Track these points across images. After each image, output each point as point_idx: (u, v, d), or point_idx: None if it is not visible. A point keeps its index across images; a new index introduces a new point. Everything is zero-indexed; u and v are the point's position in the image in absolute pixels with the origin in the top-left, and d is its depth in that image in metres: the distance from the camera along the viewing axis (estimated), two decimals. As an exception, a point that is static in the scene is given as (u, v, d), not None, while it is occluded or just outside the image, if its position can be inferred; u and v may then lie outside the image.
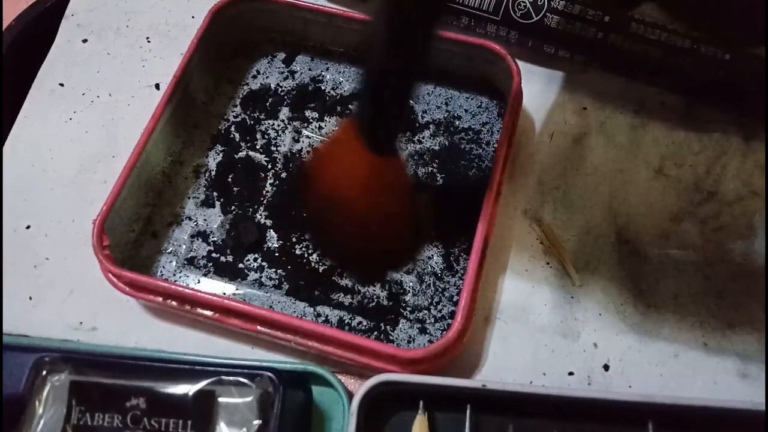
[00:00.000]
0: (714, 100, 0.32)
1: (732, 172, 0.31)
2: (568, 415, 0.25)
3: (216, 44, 0.33)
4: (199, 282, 0.28)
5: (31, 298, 0.29)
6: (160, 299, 0.26)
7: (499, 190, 0.28)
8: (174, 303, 0.26)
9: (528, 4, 0.32)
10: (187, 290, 0.25)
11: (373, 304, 0.28)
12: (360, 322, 0.27)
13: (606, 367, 0.27)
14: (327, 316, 0.27)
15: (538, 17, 0.32)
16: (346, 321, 0.27)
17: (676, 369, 0.27)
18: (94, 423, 0.23)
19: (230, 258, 0.29)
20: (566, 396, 0.24)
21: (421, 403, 0.25)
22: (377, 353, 0.24)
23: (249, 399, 0.23)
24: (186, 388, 0.23)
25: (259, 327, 0.25)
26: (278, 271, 0.28)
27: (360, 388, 0.24)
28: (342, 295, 0.28)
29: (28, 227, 0.30)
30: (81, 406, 0.24)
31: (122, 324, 0.28)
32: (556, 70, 0.34)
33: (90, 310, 0.28)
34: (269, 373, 0.24)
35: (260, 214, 0.30)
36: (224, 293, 0.28)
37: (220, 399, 0.23)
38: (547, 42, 0.32)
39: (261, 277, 0.28)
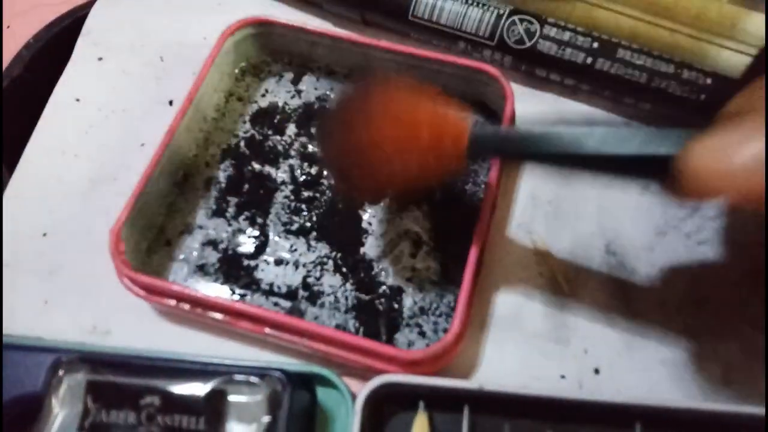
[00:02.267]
0: (698, 122, 0.34)
1: (714, 189, 0.33)
2: (560, 416, 0.26)
3: (227, 65, 0.34)
4: (209, 288, 0.30)
5: (46, 302, 0.30)
6: (174, 302, 0.27)
7: (494, 203, 0.30)
8: (186, 306, 0.27)
9: (521, 31, 0.34)
10: (199, 294, 0.27)
11: (373, 309, 0.29)
12: (359, 328, 0.29)
13: (596, 371, 0.28)
14: (326, 321, 0.29)
15: (531, 43, 0.34)
16: (346, 327, 0.29)
17: (662, 374, 0.28)
18: (109, 420, 0.25)
19: (239, 265, 0.30)
20: (559, 398, 0.25)
21: (421, 403, 0.26)
22: (380, 354, 0.26)
23: (259, 397, 0.25)
24: (198, 387, 0.25)
25: (266, 329, 0.27)
26: (284, 278, 0.30)
27: (363, 388, 0.25)
28: (344, 300, 0.29)
29: (44, 235, 0.32)
30: (97, 404, 0.25)
31: (135, 327, 0.29)
32: (548, 92, 0.35)
33: (104, 314, 0.30)
34: (278, 373, 0.25)
35: (268, 224, 0.31)
36: (234, 298, 0.29)
37: (231, 397, 0.25)
38: (539, 66, 0.34)
39: (267, 283, 0.30)
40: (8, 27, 0.39)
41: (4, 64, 0.37)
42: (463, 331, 0.27)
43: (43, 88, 0.36)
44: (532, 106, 0.35)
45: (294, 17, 0.38)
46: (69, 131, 0.34)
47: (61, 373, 0.25)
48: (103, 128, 0.35)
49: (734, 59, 0.34)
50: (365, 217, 0.32)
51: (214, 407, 0.24)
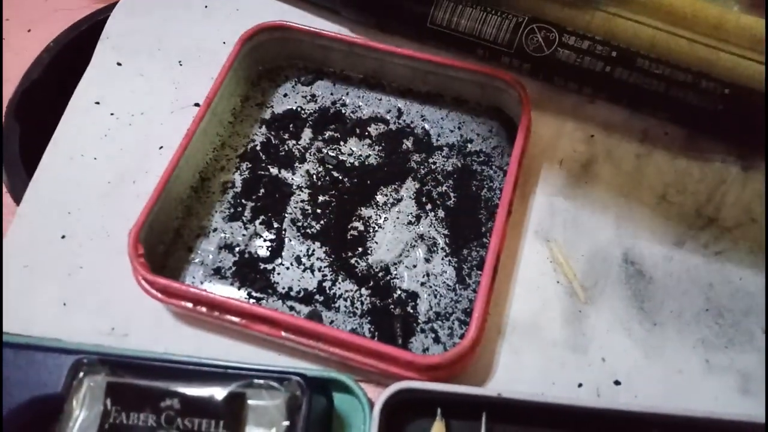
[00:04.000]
0: (714, 131, 0.34)
1: (731, 199, 0.33)
2: (578, 425, 0.26)
3: (244, 69, 0.35)
4: (225, 291, 0.30)
5: (65, 305, 0.30)
6: (191, 305, 0.27)
7: (510, 209, 0.30)
8: (203, 309, 0.27)
9: (540, 39, 0.34)
10: (216, 297, 0.27)
11: (388, 314, 0.29)
12: (374, 332, 0.29)
13: (617, 383, 0.28)
14: (341, 326, 0.29)
15: (550, 51, 0.34)
16: (361, 332, 0.29)
17: (679, 384, 0.28)
18: (129, 422, 0.25)
19: (255, 269, 0.30)
20: (577, 406, 0.25)
21: (439, 410, 0.26)
22: (396, 359, 0.26)
23: (278, 401, 0.25)
24: (218, 391, 0.25)
25: (283, 333, 0.27)
26: (300, 282, 0.30)
27: (381, 394, 0.25)
28: (359, 305, 0.29)
29: (63, 237, 0.32)
30: (117, 406, 0.25)
31: (153, 330, 0.29)
32: (564, 100, 0.35)
33: (122, 316, 0.30)
34: (297, 378, 0.25)
35: (284, 228, 0.31)
36: (251, 302, 0.29)
37: (250, 401, 0.25)
38: (557, 74, 0.34)
39: (283, 287, 0.30)
40: (29, 30, 0.39)
41: (26, 67, 0.38)
42: (479, 337, 0.27)
43: (63, 92, 0.36)
44: (550, 114, 0.35)
45: (311, 22, 0.38)
46: (88, 134, 0.35)
47: (81, 374, 0.25)
48: (121, 132, 0.35)
49: (752, 69, 0.34)
50: (381, 221, 0.32)
51: (234, 411, 0.24)
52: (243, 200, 0.32)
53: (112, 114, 0.35)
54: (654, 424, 0.25)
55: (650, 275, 0.30)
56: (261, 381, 0.25)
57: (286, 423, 0.24)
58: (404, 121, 0.35)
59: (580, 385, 0.28)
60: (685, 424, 0.25)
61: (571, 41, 0.33)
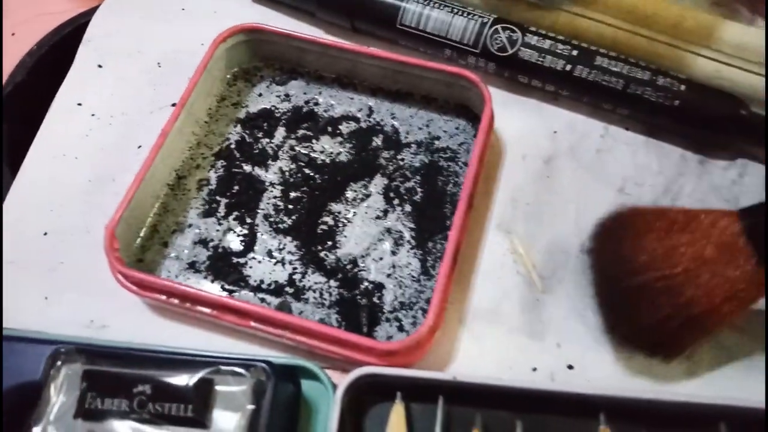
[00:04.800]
0: (672, 126, 0.35)
1: (687, 191, 0.34)
2: (531, 407, 0.27)
3: (220, 70, 0.36)
4: (199, 284, 0.31)
5: (46, 298, 0.32)
6: (164, 297, 0.29)
7: (471, 203, 0.31)
8: (176, 301, 0.29)
9: (504, 39, 0.35)
10: (187, 289, 0.28)
11: (355, 304, 0.30)
12: (342, 322, 0.30)
13: (570, 367, 0.29)
14: (309, 316, 0.30)
15: (513, 51, 0.35)
16: (328, 322, 0.30)
17: (631, 368, 0.29)
18: (104, 407, 0.26)
19: (228, 263, 0.32)
20: (528, 389, 0.27)
21: (399, 394, 0.28)
22: (357, 345, 0.27)
23: (244, 387, 0.26)
24: (187, 377, 0.26)
25: (252, 323, 0.28)
26: (271, 275, 0.31)
27: (343, 380, 0.27)
28: (328, 296, 0.31)
29: (45, 234, 0.33)
30: (92, 392, 0.26)
31: (130, 322, 0.31)
32: (530, 98, 0.37)
33: (100, 309, 0.31)
34: (263, 364, 0.26)
35: (256, 223, 0.33)
36: (223, 295, 0.31)
37: (218, 387, 0.26)
38: (521, 73, 0.36)
39: (255, 280, 0.31)
40: (13, 34, 0.41)
41: (9, 70, 0.39)
42: (437, 324, 0.28)
43: (45, 94, 0.37)
44: (515, 112, 0.36)
45: (287, 24, 0.40)
46: (70, 135, 0.36)
47: (59, 363, 0.27)
48: (102, 132, 0.36)
49: (709, 67, 0.35)
50: (350, 216, 0.33)
51: (202, 396, 0.26)
52: (217, 197, 0.33)
53: (93, 115, 0.37)
54: (601, 406, 0.27)
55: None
56: (228, 368, 0.26)
57: (252, 407, 0.26)
58: (375, 119, 0.36)
59: (535, 370, 0.29)
60: (631, 405, 0.27)
61: (534, 41, 0.35)
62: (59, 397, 0.26)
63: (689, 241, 0.24)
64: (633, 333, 0.27)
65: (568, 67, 0.34)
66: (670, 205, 0.33)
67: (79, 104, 0.37)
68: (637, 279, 0.24)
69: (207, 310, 0.28)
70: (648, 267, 0.24)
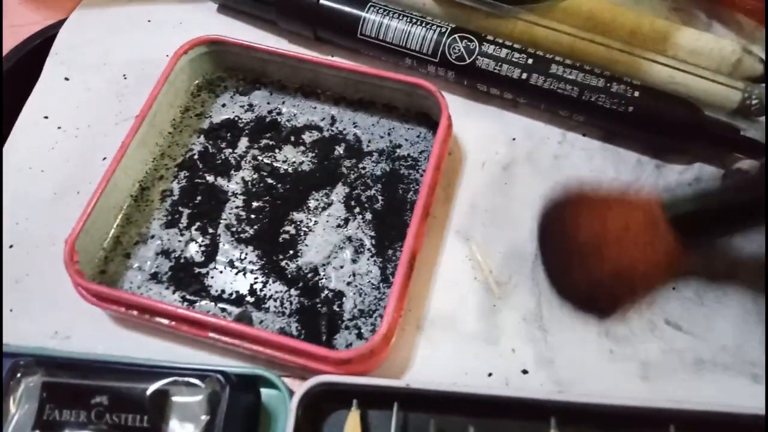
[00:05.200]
0: (627, 132, 0.36)
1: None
2: (483, 412, 0.28)
3: (183, 81, 0.36)
4: (161, 295, 0.32)
5: (11, 310, 0.32)
6: (123, 309, 0.29)
7: (427, 211, 0.32)
8: (135, 312, 0.29)
9: (461, 48, 0.36)
10: (146, 301, 0.29)
11: (315, 313, 0.31)
12: (301, 331, 0.31)
13: (525, 372, 0.30)
14: (269, 325, 0.31)
15: (471, 59, 0.35)
16: (288, 331, 0.31)
17: (584, 374, 0.30)
18: (62, 419, 0.26)
19: (190, 273, 0.32)
20: (479, 394, 0.27)
21: (355, 401, 0.28)
22: (312, 355, 0.28)
23: (199, 398, 0.27)
24: (143, 388, 0.27)
25: (210, 333, 0.29)
26: (233, 284, 0.32)
27: (299, 388, 0.27)
28: (288, 305, 0.31)
29: (11, 246, 0.34)
30: (51, 404, 0.27)
31: (93, 333, 0.31)
32: (490, 105, 0.37)
33: (64, 320, 0.32)
34: (218, 375, 0.27)
35: (218, 234, 0.33)
36: (184, 305, 0.31)
37: (174, 398, 0.27)
38: (479, 81, 0.36)
39: (216, 290, 0.32)
40: (-21, 48, 0.41)
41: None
42: (391, 332, 0.29)
43: (13, 106, 0.38)
44: (475, 119, 0.37)
45: (252, 34, 0.40)
46: (36, 148, 0.36)
47: (18, 375, 0.27)
48: (68, 144, 0.37)
49: (664, 73, 0.35)
50: (311, 225, 0.33)
51: (158, 406, 0.26)
52: (180, 208, 0.34)
53: (59, 127, 0.37)
54: (552, 411, 0.27)
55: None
56: (184, 378, 0.27)
57: (206, 418, 0.26)
58: (337, 128, 0.37)
59: (490, 375, 0.30)
60: (581, 409, 0.27)
61: (490, 50, 0.35)
62: (18, 410, 0.27)
63: (618, 217, 0.28)
64: (571, 293, 0.29)
65: (524, 76, 0.35)
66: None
67: (46, 117, 0.38)
68: (573, 246, 0.28)
69: (165, 321, 0.29)
70: (582, 237, 0.28)
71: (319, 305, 0.31)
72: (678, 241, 0.27)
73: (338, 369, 0.28)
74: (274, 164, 0.35)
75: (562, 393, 0.28)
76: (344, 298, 0.32)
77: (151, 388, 0.27)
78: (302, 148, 0.36)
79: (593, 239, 0.27)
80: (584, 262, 0.28)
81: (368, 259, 0.33)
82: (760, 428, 0.27)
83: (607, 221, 0.27)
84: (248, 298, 0.32)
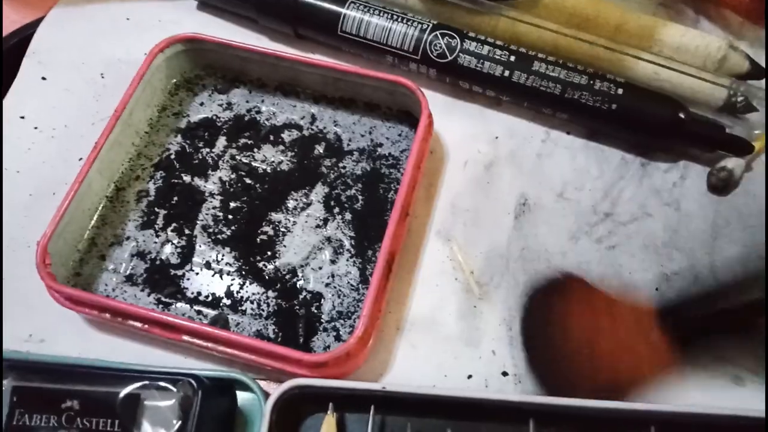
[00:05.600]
0: (611, 130, 0.35)
1: (628, 195, 0.34)
2: (461, 414, 0.27)
3: (160, 80, 0.36)
4: (136, 297, 0.31)
5: (-15, 314, 0.31)
6: (96, 312, 0.29)
7: (407, 210, 0.31)
8: (108, 315, 0.29)
9: (443, 45, 0.35)
10: (118, 304, 0.28)
11: (293, 315, 0.31)
12: (278, 333, 0.30)
13: (504, 374, 0.30)
14: (246, 328, 0.30)
15: (452, 57, 0.35)
16: (265, 333, 0.30)
17: (566, 374, 0.29)
18: (32, 423, 0.26)
19: (165, 275, 0.32)
20: (455, 396, 0.27)
21: (331, 404, 0.28)
22: (286, 358, 0.27)
23: (171, 402, 0.26)
24: (115, 392, 0.26)
25: (184, 337, 0.28)
26: (209, 286, 0.31)
27: (274, 392, 0.27)
28: (266, 307, 0.31)
29: (-16, 248, 0.33)
30: (21, 409, 0.26)
31: (67, 336, 0.31)
32: (473, 103, 0.37)
33: (39, 324, 0.31)
34: (190, 379, 0.26)
35: (195, 234, 0.33)
36: (159, 308, 0.31)
37: (146, 402, 0.26)
38: (461, 79, 0.36)
39: (192, 292, 0.31)
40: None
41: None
42: (368, 334, 0.28)
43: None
44: (458, 117, 0.36)
45: (232, 31, 0.40)
46: (12, 148, 0.36)
47: (-12, 379, 0.27)
48: (44, 145, 0.36)
49: (649, 69, 0.35)
50: (290, 225, 0.33)
51: (129, 410, 0.26)
52: (156, 208, 0.33)
53: (36, 128, 0.37)
54: (531, 413, 0.27)
55: (543, 271, 0.32)
56: (156, 383, 0.26)
57: (178, 422, 0.26)
58: (317, 126, 0.36)
59: (470, 377, 0.29)
60: (561, 411, 0.27)
61: (472, 47, 0.35)
62: (-13, 415, 0.26)
63: (607, 322, 0.29)
64: (551, 380, 0.29)
65: (507, 73, 0.34)
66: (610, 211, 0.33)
67: (22, 117, 0.37)
68: (559, 341, 0.29)
69: (138, 325, 0.28)
70: (569, 333, 0.29)
71: (297, 307, 0.31)
72: (669, 345, 0.27)
73: (314, 372, 0.28)
74: (253, 164, 0.35)
75: (541, 395, 0.27)
76: (323, 300, 0.31)
77: (123, 392, 0.26)
78: (281, 147, 0.35)
79: (580, 336, 0.28)
80: (570, 357, 0.28)
81: (347, 260, 0.32)
82: (740, 429, 0.26)
83: (598, 321, 0.29)
84: (225, 300, 0.31)
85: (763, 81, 0.35)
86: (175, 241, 0.32)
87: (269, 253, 0.32)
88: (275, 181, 0.34)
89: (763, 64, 0.35)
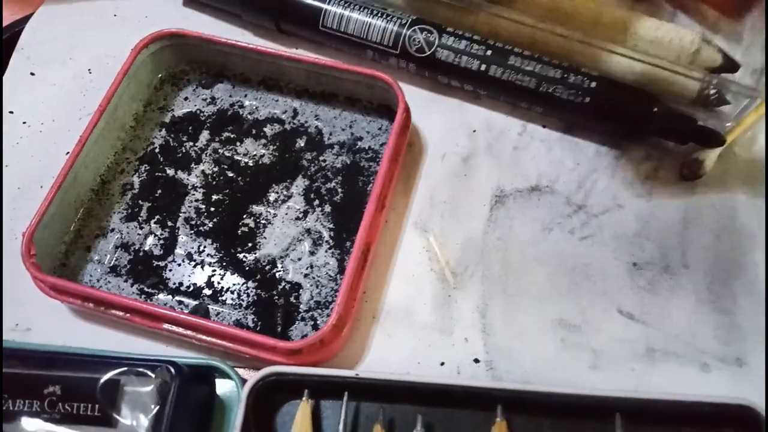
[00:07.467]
0: (585, 123, 0.36)
1: (601, 187, 0.35)
2: (432, 400, 0.28)
3: (145, 75, 0.37)
4: (120, 288, 0.32)
5: (-27, 303, 0.32)
6: (80, 302, 0.30)
7: (383, 202, 0.32)
8: (91, 305, 0.29)
9: (421, 40, 0.36)
10: (101, 293, 0.29)
11: (272, 305, 0.31)
12: (257, 322, 0.31)
13: (476, 361, 0.30)
14: (226, 317, 0.31)
15: (430, 51, 0.36)
16: (245, 323, 0.31)
17: (536, 364, 0.30)
18: (15, 408, 0.27)
19: (148, 266, 0.32)
20: (426, 383, 0.28)
21: (306, 391, 0.28)
22: (261, 345, 0.28)
23: (149, 388, 0.27)
24: (96, 378, 0.27)
25: (164, 325, 0.29)
26: (190, 277, 0.32)
27: (250, 379, 0.28)
28: (245, 297, 0.32)
29: (-27, 240, 0.34)
30: (5, 395, 0.27)
31: (53, 325, 0.32)
32: (452, 97, 0.37)
33: (25, 313, 0.32)
34: (168, 366, 0.27)
35: (177, 227, 0.33)
36: (142, 298, 0.32)
37: (125, 387, 0.27)
38: (440, 73, 0.36)
39: (174, 282, 0.32)
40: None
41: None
42: (342, 322, 0.29)
43: (-22, 101, 0.38)
44: (437, 111, 0.37)
45: (217, 26, 0.40)
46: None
47: (-27, 367, 0.28)
48: (32, 139, 0.37)
49: (623, 63, 0.35)
50: (270, 218, 0.34)
51: (109, 396, 0.27)
52: (140, 201, 0.34)
53: (24, 122, 0.38)
54: (500, 399, 0.28)
55: (517, 261, 0.32)
56: (135, 369, 0.27)
57: (156, 407, 0.26)
58: (299, 120, 0.37)
59: (442, 364, 0.30)
60: (530, 398, 0.28)
61: (450, 42, 0.35)
62: (-28, 401, 0.27)
63: None
64: None
65: (483, 67, 0.35)
66: (583, 203, 0.34)
67: (11, 112, 0.38)
68: None
69: (120, 313, 0.29)
70: None
71: (276, 297, 0.32)
72: None
73: (289, 359, 0.28)
74: (235, 157, 0.36)
75: (509, 382, 0.28)
76: (301, 290, 0.32)
77: (103, 378, 0.27)
78: (263, 140, 0.36)
79: None
80: None
81: (326, 252, 0.33)
82: (704, 416, 0.27)
83: None
84: (206, 291, 0.32)
85: (736, 74, 0.35)
86: (158, 233, 0.33)
87: (250, 244, 0.33)
88: (257, 175, 0.35)
89: (738, 58, 0.35)
